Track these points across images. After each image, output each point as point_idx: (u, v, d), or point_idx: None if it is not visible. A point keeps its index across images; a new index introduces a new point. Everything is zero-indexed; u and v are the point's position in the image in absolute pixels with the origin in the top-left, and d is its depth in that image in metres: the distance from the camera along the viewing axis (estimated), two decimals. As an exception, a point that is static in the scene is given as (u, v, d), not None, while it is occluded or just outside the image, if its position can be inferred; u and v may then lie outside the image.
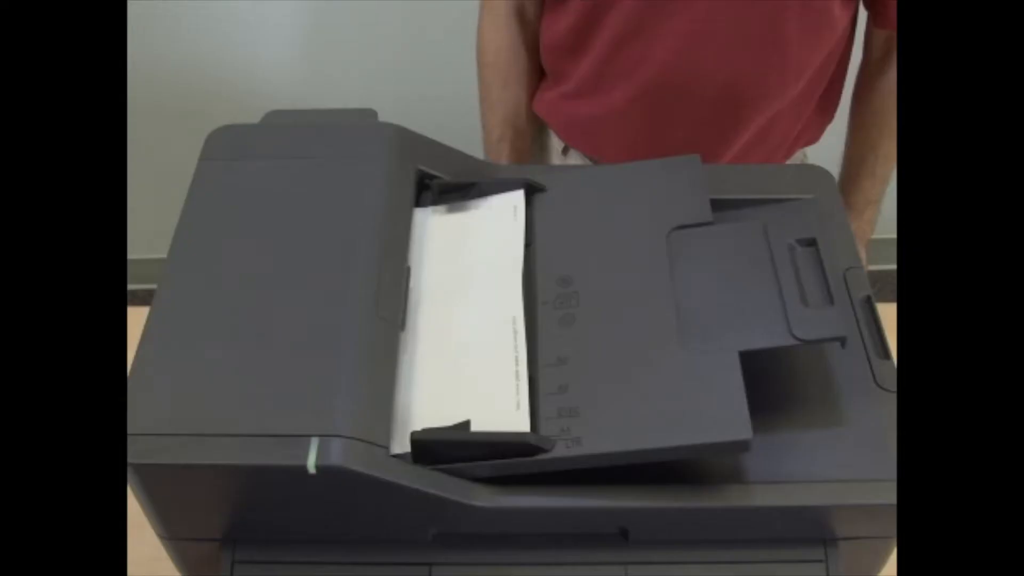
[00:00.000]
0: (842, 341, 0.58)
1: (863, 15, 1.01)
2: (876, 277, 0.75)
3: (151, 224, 1.18)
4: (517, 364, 0.59)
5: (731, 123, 0.99)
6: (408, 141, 0.70)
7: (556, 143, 1.09)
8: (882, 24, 1.00)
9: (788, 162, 1.08)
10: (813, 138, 1.09)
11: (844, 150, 1.11)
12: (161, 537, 0.60)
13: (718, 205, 0.66)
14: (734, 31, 0.93)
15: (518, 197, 0.68)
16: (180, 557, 0.62)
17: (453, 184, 0.69)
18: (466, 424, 0.56)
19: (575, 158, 1.08)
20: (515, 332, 0.60)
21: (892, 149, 1.07)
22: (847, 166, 1.11)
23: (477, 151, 0.73)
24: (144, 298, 0.65)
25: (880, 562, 0.62)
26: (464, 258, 0.66)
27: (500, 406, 0.57)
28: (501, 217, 0.68)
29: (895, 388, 0.61)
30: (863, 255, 1.04)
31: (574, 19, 0.98)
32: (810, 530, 0.58)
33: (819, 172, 0.72)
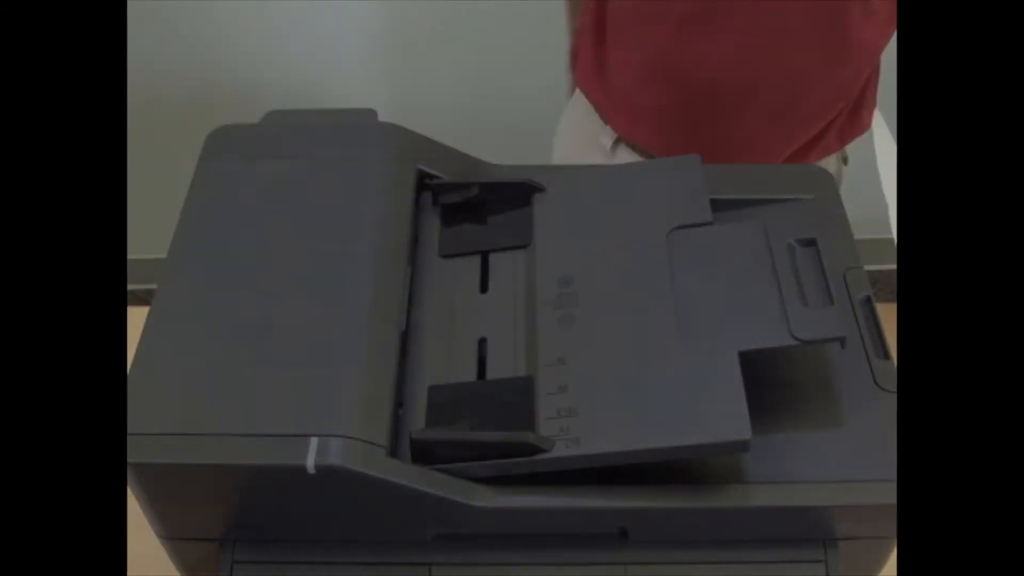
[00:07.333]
0: (842, 341, 0.58)
1: None
2: (876, 277, 0.75)
3: (151, 224, 1.18)
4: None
5: (791, 123, 0.99)
6: (408, 141, 0.70)
7: (605, 139, 1.07)
8: None
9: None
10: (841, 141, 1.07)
11: None
12: (161, 537, 0.60)
13: (718, 205, 0.66)
14: (798, 29, 0.91)
15: None
16: (180, 557, 0.62)
17: (453, 184, 0.69)
18: (465, 424, 0.56)
19: (624, 156, 1.06)
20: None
21: None
22: None
23: (477, 151, 0.73)
24: (144, 298, 0.65)
25: (880, 562, 0.62)
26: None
27: None
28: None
29: (895, 388, 0.61)
30: None
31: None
32: (810, 530, 0.58)
33: (819, 172, 0.72)
